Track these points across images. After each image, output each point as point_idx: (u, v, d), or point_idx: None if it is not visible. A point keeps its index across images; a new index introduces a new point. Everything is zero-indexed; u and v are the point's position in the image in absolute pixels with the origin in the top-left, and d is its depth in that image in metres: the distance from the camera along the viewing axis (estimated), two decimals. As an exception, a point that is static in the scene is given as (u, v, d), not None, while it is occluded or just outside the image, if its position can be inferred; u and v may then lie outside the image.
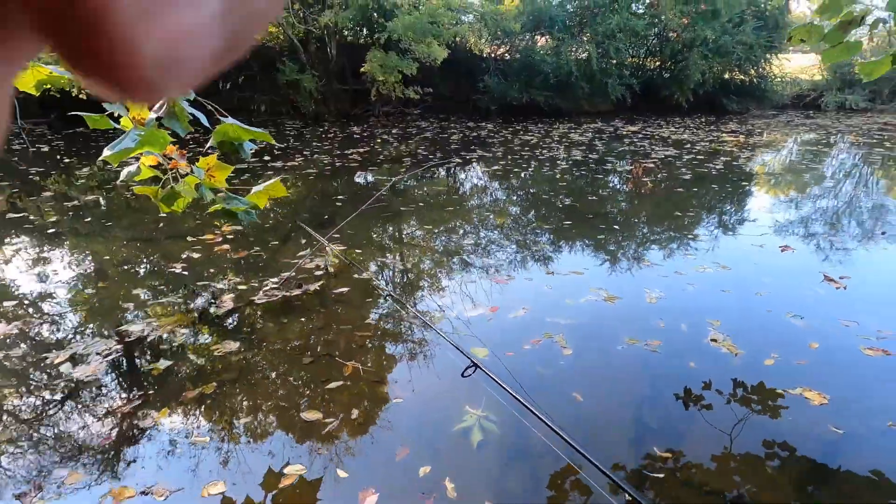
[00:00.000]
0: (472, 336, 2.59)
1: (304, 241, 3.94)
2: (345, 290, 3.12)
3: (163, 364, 2.33)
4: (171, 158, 1.53)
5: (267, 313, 2.82)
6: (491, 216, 4.98)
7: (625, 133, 11.61)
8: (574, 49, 15.79)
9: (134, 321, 2.71)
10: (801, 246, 3.97)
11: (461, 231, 4.48)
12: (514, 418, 1.96)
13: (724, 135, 11.40)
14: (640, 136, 11.07)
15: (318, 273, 3.34)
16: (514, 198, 5.79)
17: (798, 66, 20.45)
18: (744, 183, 6.55)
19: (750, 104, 17.45)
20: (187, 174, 1.52)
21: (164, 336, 2.57)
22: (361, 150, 8.77)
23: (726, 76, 16.98)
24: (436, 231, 4.53)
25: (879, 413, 2.00)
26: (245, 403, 2.12)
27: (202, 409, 2.08)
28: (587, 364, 2.32)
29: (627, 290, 3.13)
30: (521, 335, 2.57)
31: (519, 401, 1.86)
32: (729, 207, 5.27)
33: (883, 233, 4.32)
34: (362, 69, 12.71)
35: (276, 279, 3.20)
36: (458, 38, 16.80)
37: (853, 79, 19.43)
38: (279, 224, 4.62)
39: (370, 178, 6.61)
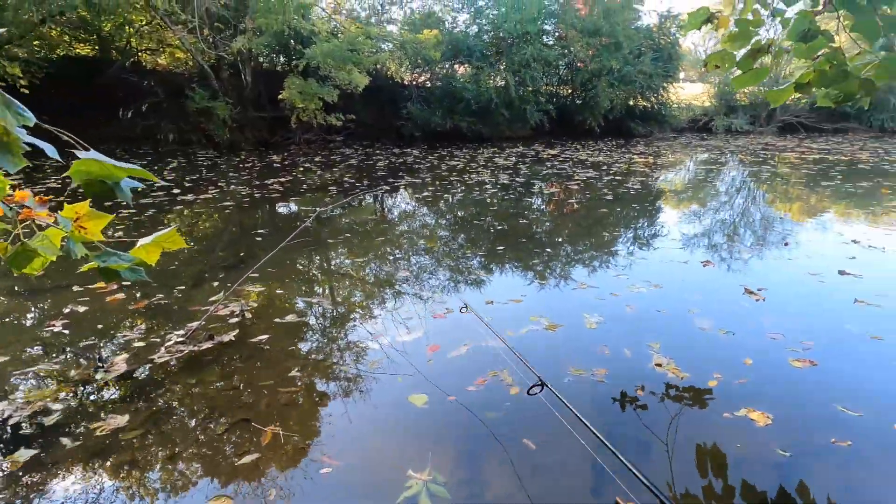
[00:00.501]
0: (411, 377, 2.36)
1: (216, 284, 3.52)
2: (265, 337, 2.77)
3: (23, 455, 1.86)
4: (23, 206, 1.19)
5: (170, 374, 2.41)
6: (424, 243, 4.81)
7: (546, 156, 12.05)
8: (493, 77, 16.35)
9: (-7, 398, 2.19)
10: (719, 260, 4.16)
11: (394, 260, 4.26)
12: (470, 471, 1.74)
13: (635, 156, 12.16)
14: (560, 159, 11.52)
15: (234, 320, 2.96)
16: (446, 223, 5.68)
17: (691, 94, 22.62)
18: (658, 201, 6.91)
19: (653, 128, 18.95)
20: (48, 226, 1.19)
21: (32, 416, 2.09)
22: (283, 179, 8.33)
23: (631, 103, 18.33)
24: (366, 261, 4.28)
25: (820, 429, 2.01)
26: (135, 499, 1.72)
27: (78, 510, 1.67)
28: (535, 403, 2.16)
29: (568, 316, 3.06)
30: (464, 375, 2.37)
31: (586, 426, 1.65)
32: (650, 225, 5.49)
33: (786, 243, 4.65)
34: (280, 96, 12.25)
35: (182, 332, 2.78)
36: (378, 66, 16.81)
37: (736, 105, 21.80)
38: (189, 264, 4.14)
39: (294, 208, 6.22)
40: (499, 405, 2.16)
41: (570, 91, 18.29)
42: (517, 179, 8.54)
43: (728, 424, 2.04)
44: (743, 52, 2.25)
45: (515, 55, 15.27)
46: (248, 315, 3.02)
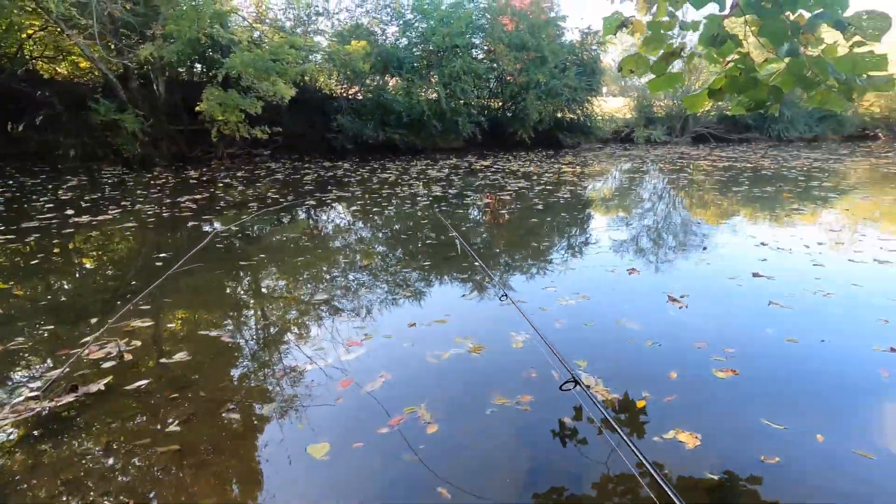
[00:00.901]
0: (316, 421, 2.06)
1: (96, 320, 3.03)
2: (144, 382, 2.36)
3: None
4: None
5: (13, 443, 1.96)
6: (347, 261, 4.50)
7: (478, 168, 12.07)
8: (424, 89, 16.32)
9: None
10: (645, 266, 4.18)
11: (311, 282, 3.92)
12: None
13: (563, 166, 12.46)
14: (492, 170, 11.57)
15: (109, 364, 2.52)
16: (374, 239, 5.40)
17: (613, 107, 23.81)
18: (587, 209, 7.01)
19: (581, 139, 19.68)
20: None
21: None
22: (199, 196, 7.69)
23: (559, 115, 18.95)
24: (278, 286, 3.91)
25: (748, 446, 1.93)
26: None
27: None
28: (454, 442, 1.94)
29: (493, 336, 2.88)
30: (377, 415, 2.11)
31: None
32: (580, 233, 5.50)
33: (704, 248, 4.78)
34: (198, 108, 11.48)
35: (39, 384, 2.31)
36: (306, 77, 16.29)
37: (654, 117, 23.19)
38: (66, 296, 3.58)
39: (208, 227, 5.69)
40: (412, 446, 1.91)
41: (500, 104, 18.64)
42: (450, 191, 8.42)
43: (660, 448, 1.92)
44: (656, 56, 2.21)
45: (446, 68, 15.33)
46: (127, 356, 2.59)
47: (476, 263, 4.22)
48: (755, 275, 3.89)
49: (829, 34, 2.07)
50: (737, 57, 2.17)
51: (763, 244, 4.85)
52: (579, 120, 19.56)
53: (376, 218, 6.39)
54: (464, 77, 15.49)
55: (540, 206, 7.00)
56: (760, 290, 3.59)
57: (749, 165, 12.52)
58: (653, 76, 2.20)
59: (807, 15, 1.87)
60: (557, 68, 17.37)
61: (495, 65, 17.12)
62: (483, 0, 17.18)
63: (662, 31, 2.14)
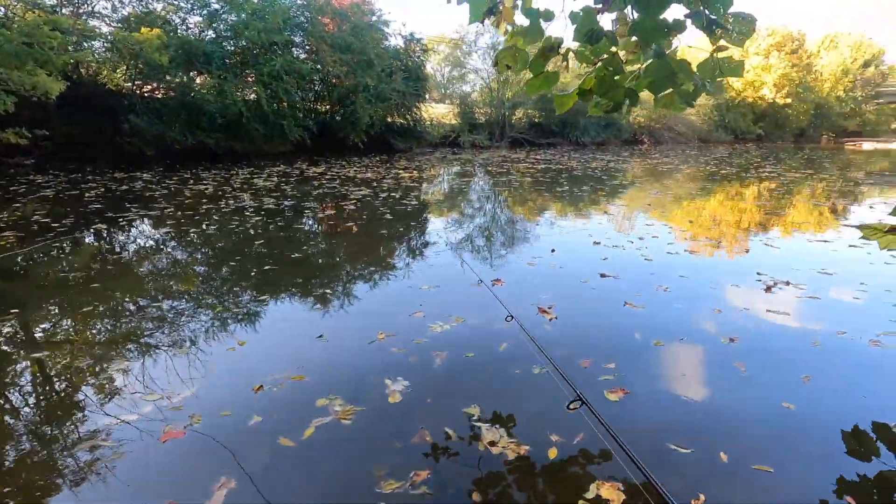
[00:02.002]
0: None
1: None
2: None
3: None
4: None
5: None
6: (153, 301, 3.46)
7: (312, 175, 11.17)
8: (241, 89, 14.63)
9: None
10: (506, 276, 4.05)
11: (102, 338, 2.87)
12: None
13: (400, 171, 12.29)
14: (328, 177, 10.80)
15: None
16: (191, 268, 4.34)
17: (439, 112, 24.74)
18: (437, 218, 6.83)
19: (412, 143, 19.92)
20: None
21: None
22: None
23: (389, 119, 18.88)
24: (52, 341, 2.77)
25: (663, 475, 1.78)
26: None
27: None
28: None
29: (365, 389, 2.35)
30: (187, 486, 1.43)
31: None
32: (433, 246, 5.22)
33: (553, 250, 4.91)
34: None
35: None
36: (81, 69, 13.29)
37: (476, 122, 24.74)
38: None
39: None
40: None
41: (328, 107, 17.80)
42: (285, 203, 7.48)
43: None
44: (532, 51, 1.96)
45: (265, 66, 13.94)
46: None
47: (332, 290, 3.60)
48: (602, 275, 4.05)
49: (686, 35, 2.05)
50: (606, 56, 2.04)
51: (597, 243, 5.18)
52: (410, 125, 19.77)
53: (197, 242, 5.24)
54: (286, 77, 14.30)
55: (389, 216, 6.60)
56: (612, 291, 3.72)
57: (562, 167, 13.99)
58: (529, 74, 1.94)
59: (682, 13, 1.78)
60: (385, 72, 17.23)
61: (319, 66, 16.23)
62: (300, -4, 16.13)
63: (541, 21, 1.88)
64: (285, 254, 4.69)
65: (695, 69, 1.95)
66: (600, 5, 1.85)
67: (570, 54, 1.97)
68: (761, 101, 34.98)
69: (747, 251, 4.86)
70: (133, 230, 5.73)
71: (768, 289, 3.76)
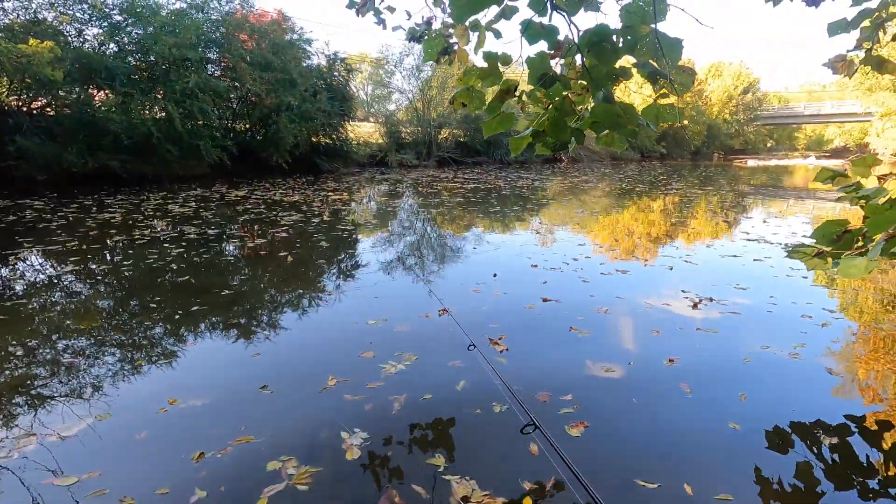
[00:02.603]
0: None
1: None
2: None
3: None
4: None
5: None
6: (46, 363, 3.02)
7: (234, 199, 10.56)
8: (149, 107, 13.60)
9: None
10: (453, 304, 4.01)
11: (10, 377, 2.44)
12: None
13: (330, 193, 11.98)
14: (252, 201, 10.26)
15: None
16: (108, 310, 3.86)
17: (365, 131, 24.55)
18: (375, 246, 6.67)
19: (339, 163, 19.54)
20: None
21: None
22: None
23: (314, 139, 18.42)
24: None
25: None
26: None
27: None
28: None
29: (313, 441, 2.19)
30: None
31: None
32: (373, 277, 5.08)
33: (495, 275, 4.96)
34: None
35: None
36: (-47, 83, 11.75)
37: (403, 142, 24.84)
38: None
39: None
40: None
41: (248, 126, 17.03)
42: (208, 231, 6.97)
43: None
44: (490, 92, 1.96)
45: (177, 83, 13.06)
46: None
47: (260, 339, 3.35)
48: (545, 300, 4.14)
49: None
50: (557, 99, 2.09)
51: (535, 266, 5.31)
52: (336, 144, 19.41)
53: (109, 281, 4.70)
54: (201, 95, 13.49)
55: (325, 244, 6.35)
56: (556, 316, 3.80)
57: (490, 186, 14.36)
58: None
59: (632, 61, 1.87)
60: (308, 91, 16.82)
61: (237, 84, 15.51)
62: (215, 12, 15.38)
63: (500, 66, 1.89)
64: (213, 290, 4.33)
65: (639, 113, 2.05)
66: (553, 51, 1.89)
67: (524, 97, 2.00)
68: (663, 122, 38.51)
69: (671, 268, 5.21)
70: (29, 268, 5.04)
71: (695, 305, 4.03)
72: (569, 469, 1.88)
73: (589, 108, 2.16)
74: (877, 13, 2.67)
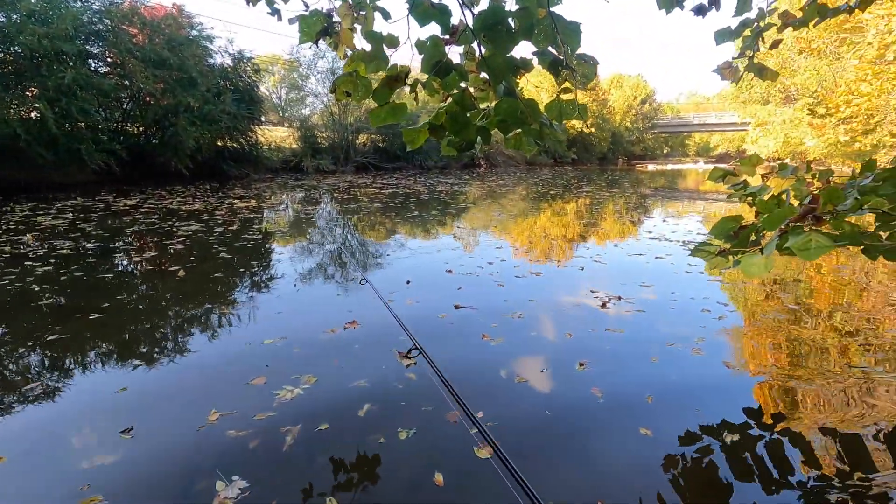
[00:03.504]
0: None
1: None
2: None
3: None
4: None
5: None
6: None
7: (122, 208, 9.46)
8: (16, 106, 11.89)
9: None
10: (363, 316, 3.73)
11: None
12: None
13: (236, 201, 11.15)
14: (144, 210, 9.24)
15: None
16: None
17: (278, 136, 23.39)
18: (286, 255, 6.18)
19: (249, 169, 18.40)
20: None
21: None
22: None
23: (220, 143, 17.20)
24: None
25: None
26: None
27: None
28: None
29: (184, 493, 1.83)
30: None
31: None
32: (281, 286, 4.65)
33: (408, 282, 4.74)
34: None
35: None
36: None
37: (320, 147, 23.97)
38: None
39: None
40: None
41: (141, 129, 15.49)
42: (87, 245, 6.10)
43: None
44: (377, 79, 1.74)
45: (49, 79, 11.53)
46: None
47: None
48: (458, 307, 3.99)
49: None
50: (455, 92, 1.92)
51: (450, 271, 5.17)
52: (244, 149, 18.27)
53: (-70, 309, 3.87)
54: (81, 93, 12.02)
55: (227, 254, 5.78)
56: (469, 324, 3.65)
57: (409, 191, 14.17)
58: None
59: (531, 51, 1.73)
60: (211, 92, 15.66)
61: (128, 82, 14.04)
62: (97, 2, 13.82)
63: (385, 48, 1.67)
64: (80, 314, 3.70)
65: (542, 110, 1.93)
66: (447, 36, 1.72)
67: (419, 86, 1.80)
68: (573, 129, 40.75)
69: (582, 269, 5.30)
70: None
71: (603, 305, 4.08)
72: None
73: (493, 105, 2.02)
74: (756, 23, 2.81)
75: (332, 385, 2.67)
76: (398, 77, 1.70)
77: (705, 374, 2.91)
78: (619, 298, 4.21)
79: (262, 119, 19.83)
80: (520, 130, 2.21)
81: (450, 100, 1.95)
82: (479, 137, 2.19)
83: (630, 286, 4.61)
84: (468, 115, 2.02)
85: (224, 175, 17.15)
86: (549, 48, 1.66)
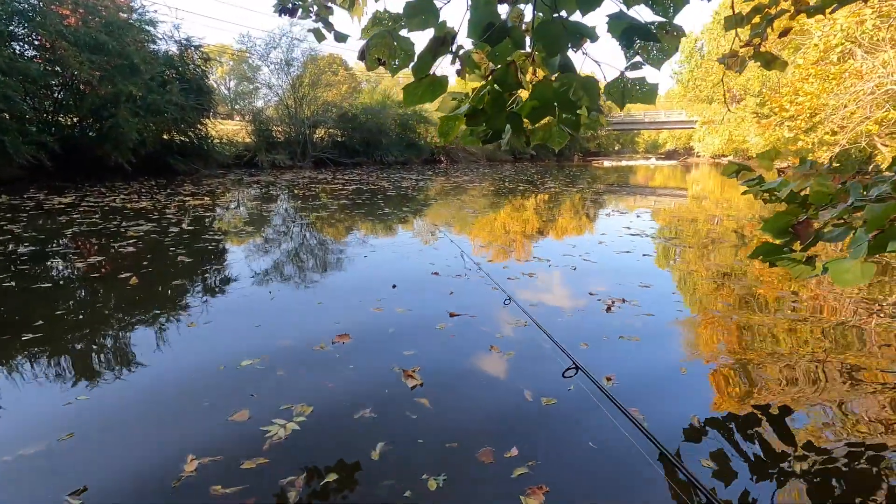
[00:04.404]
0: None
1: None
2: None
3: None
4: None
5: None
6: None
7: (56, 207, 8.50)
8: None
9: None
10: (353, 329, 3.32)
11: None
12: None
13: (188, 198, 10.31)
14: (82, 209, 8.33)
15: None
16: None
17: (230, 129, 22.16)
18: (252, 259, 5.62)
19: (198, 164, 17.29)
20: None
21: None
22: None
23: (167, 136, 16.03)
24: None
25: None
26: None
27: None
28: None
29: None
30: None
31: None
32: (254, 296, 4.15)
33: (394, 286, 4.35)
34: None
35: None
36: None
37: (275, 141, 22.91)
38: None
39: None
40: None
41: (76, 120, 14.14)
42: (18, 249, 5.33)
43: None
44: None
45: (-35, 62, 10.23)
46: None
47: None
48: (452, 314, 3.65)
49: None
50: (500, 67, 1.57)
51: (436, 273, 4.82)
52: (193, 143, 17.12)
53: None
54: (2, 79, 10.76)
55: (186, 258, 5.17)
56: (471, 334, 3.32)
57: (374, 187, 13.65)
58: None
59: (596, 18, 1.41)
60: (155, 81, 14.51)
61: (59, 68, 12.75)
62: (21, -23, 12.43)
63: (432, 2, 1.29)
64: (8, 336, 3.10)
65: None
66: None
67: (462, 56, 1.44)
68: (630, 102, 41.37)
69: (574, 269, 5.08)
70: None
71: (608, 308, 3.85)
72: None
73: (535, 84, 1.68)
74: (766, 10, 2.63)
75: (330, 416, 2.27)
76: (444, 39, 1.33)
77: (730, 383, 2.71)
78: (624, 301, 3.99)
79: (213, 111, 18.65)
80: (549, 120, 1.90)
81: (491, 77, 1.61)
82: (508, 125, 1.86)
83: (629, 287, 4.41)
84: (502, 98, 1.69)
85: (171, 170, 15.98)
86: (636, 9, 1.33)
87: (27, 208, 8.33)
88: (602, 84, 1.64)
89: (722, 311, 3.86)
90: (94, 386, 2.57)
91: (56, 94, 13.82)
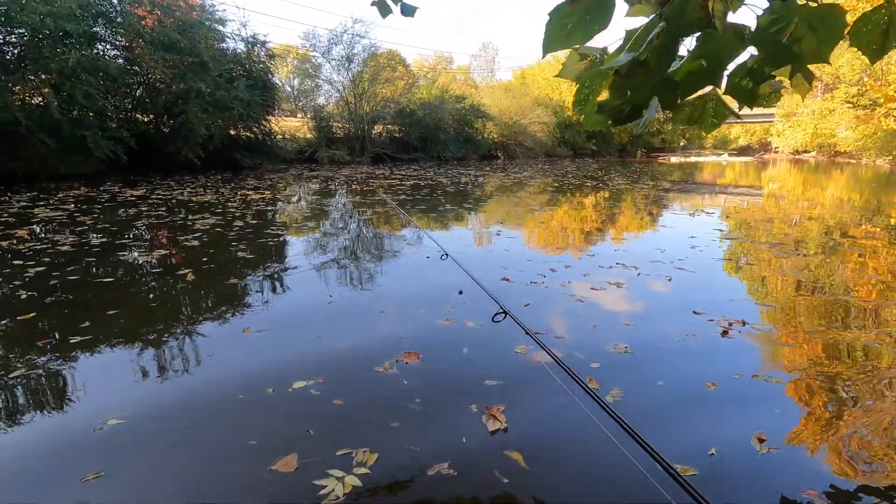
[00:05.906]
0: None
1: None
2: None
3: None
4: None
5: None
6: None
7: (128, 199, 8.72)
8: (21, 91, 11.18)
9: None
10: (423, 348, 2.88)
11: None
12: None
13: (250, 193, 10.35)
14: (151, 201, 8.49)
15: None
16: None
17: (292, 125, 22.63)
18: (304, 253, 5.35)
19: (262, 159, 17.64)
20: None
21: None
22: None
23: (233, 132, 16.45)
24: None
25: None
26: None
27: None
28: None
29: None
30: None
31: None
32: (310, 298, 3.82)
33: (460, 292, 3.87)
34: None
35: None
36: None
37: (335, 137, 23.15)
38: None
39: None
40: None
41: (151, 116, 14.75)
42: (91, 240, 5.36)
43: None
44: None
45: (52, 61, 10.77)
46: None
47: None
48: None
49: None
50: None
51: (506, 279, 4.30)
52: (258, 138, 17.49)
53: None
54: (86, 77, 11.27)
55: (248, 254, 4.97)
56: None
57: (433, 183, 13.27)
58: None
59: None
60: (223, 78, 14.85)
61: (138, 67, 13.29)
62: (101, -21, 13.03)
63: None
64: (61, 335, 2.90)
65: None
66: None
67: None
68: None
69: (669, 279, 4.38)
70: None
71: (724, 332, 3.18)
72: None
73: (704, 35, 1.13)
74: None
75: (399, 469, 1.81)
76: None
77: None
78: (744, 323, 3.29)
79: (277, 107, 19.02)
80: (706, 92, 1.37)
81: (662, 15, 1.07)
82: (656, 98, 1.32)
83: (743, 304, 3.69)
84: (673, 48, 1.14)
85: (237, 165, 16.39)
86: None
87: (101, 200, 8.59)
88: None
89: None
90: (125, 413, 2.26)
91: (135, 93, 14.45)
